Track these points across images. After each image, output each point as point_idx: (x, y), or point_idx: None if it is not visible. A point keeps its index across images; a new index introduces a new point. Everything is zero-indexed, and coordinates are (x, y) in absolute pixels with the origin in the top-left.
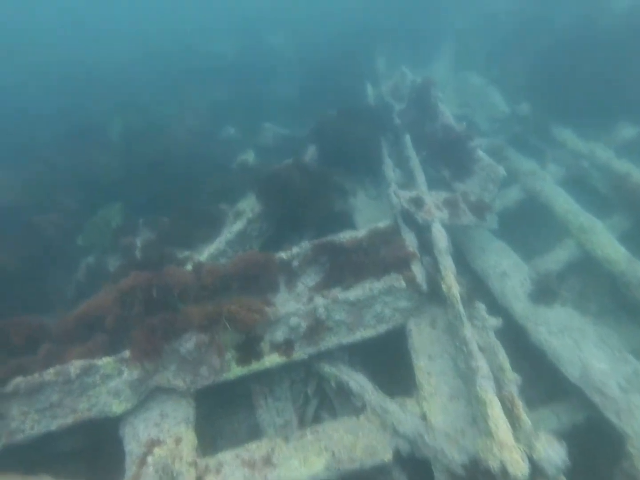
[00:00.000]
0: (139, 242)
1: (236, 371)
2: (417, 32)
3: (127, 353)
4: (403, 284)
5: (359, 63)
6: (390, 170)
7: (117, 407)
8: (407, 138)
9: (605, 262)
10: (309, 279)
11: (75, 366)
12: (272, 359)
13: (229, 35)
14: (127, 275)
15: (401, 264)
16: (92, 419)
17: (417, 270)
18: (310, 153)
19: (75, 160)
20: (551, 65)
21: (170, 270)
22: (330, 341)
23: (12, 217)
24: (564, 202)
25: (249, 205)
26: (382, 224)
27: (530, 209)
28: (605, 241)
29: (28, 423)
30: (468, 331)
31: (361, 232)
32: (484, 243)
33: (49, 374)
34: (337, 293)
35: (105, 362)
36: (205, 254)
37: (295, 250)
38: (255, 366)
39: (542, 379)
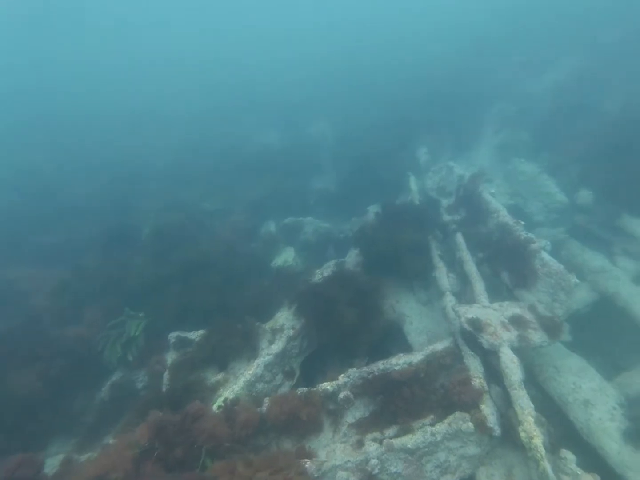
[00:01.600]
0: (169, 359)
1: None
2: (458, 119)
3: None
4: (471, 426)
5: (401, 155)
6: (443, 276)
7: None
8: (460, 238)
9: None
10: (358, 413)
11: None
12: None
13: (273, 127)
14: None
15: (467, 399)
16: None
17: (488, 411)
18: (354, 256)
19: (107, 265)
20: (605, 152)
21: (199, 422)
22: None
23: (36, 325)
24: None
25: (288, 319)
26: (440, 345)
27: (604, 311)
28: None
29: None
30: None
31: (416, 357)
32: (557, 359)
33: None
34: (393, 440)
35: None
36: (241, 381)
37: (342, 380)
38: None
39: None
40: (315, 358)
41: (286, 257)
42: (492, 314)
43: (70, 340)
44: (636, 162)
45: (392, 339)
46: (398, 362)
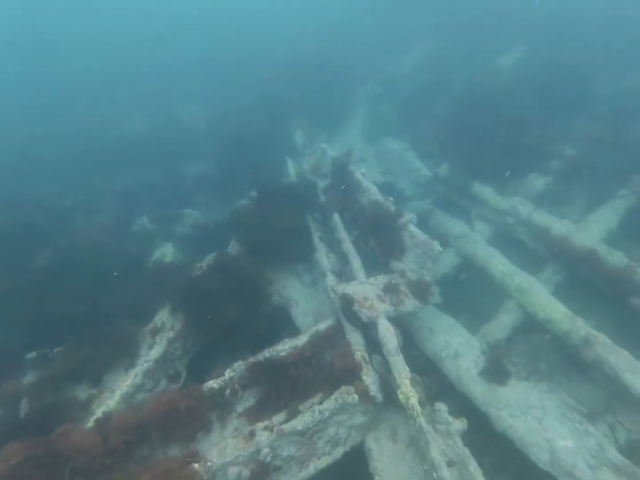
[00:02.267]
0: (27, 381)
1: None
2: (329, 99)
3: None
4: (356, 398)
5: (276, 137)
6: (324, 257)
7: None
8: (337, 218)
9: (548, 324)
10: (247, 404)
11: None
12: None
13: (137, 111)
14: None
15: (350, 372)
16: None
17: (369, 380)
18: (235, 246)
19: None
20: (455, 126)
21: (63, 436)
22: None
23: None
24: (498, 264)
25: (168, 319)
26: (323, 325)
27: (467, 272)
28: (545, 301)
29: None
30: (435, 452)
31: (302, 339)
32: (431, 321)
33: None
34: (283, 425)
35: None
36: (117, 394)
37: (228, 374)
38: None
39: (512, 464)
40: (204, 356)
41: (164, 252)
42: (368, 289)
43: None
44: (478, 135)
45: (282, 325)
46: (284, 347)
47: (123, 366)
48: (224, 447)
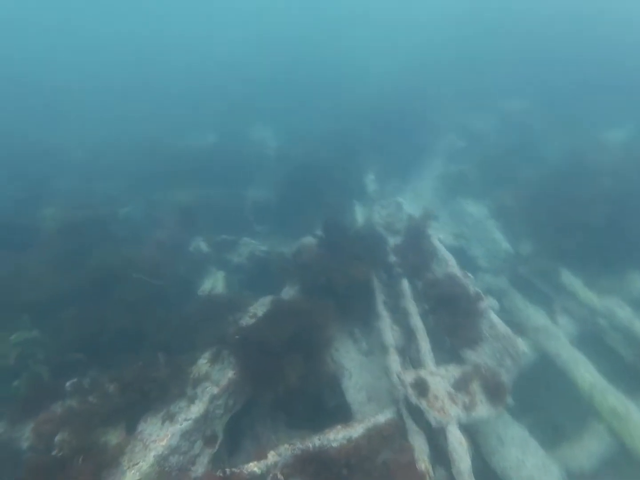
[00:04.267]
0: (61, 411)
1: None
2: (406, 144)
3: None
4: None
5: (346, 174)
6: (387, 329)
7: None
8: (406, 285)
9: None
10: None
11: None
12: None
13: (209, 126)
14: None
15: None
16: None
17: None
18: (293, 292)
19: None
20: (547, 199)
21: None
22: None
23: None
24: (586, 372)
25: (212, 369)
26: (382, 417)
27: (544, 371)
28: None
29: None
30: None
31: (357, 430)
32: (501, 428)
33: None
34: None
35: None
36: (150, 456)
37: (272, 458)
38: None
39: None
40: (240, 413)
41: (215, 283)
42: (439, 384)
43: None
44: (572, 212)
45: (330, 392)
46: (336, 436)
47: (157, 411)
48: None
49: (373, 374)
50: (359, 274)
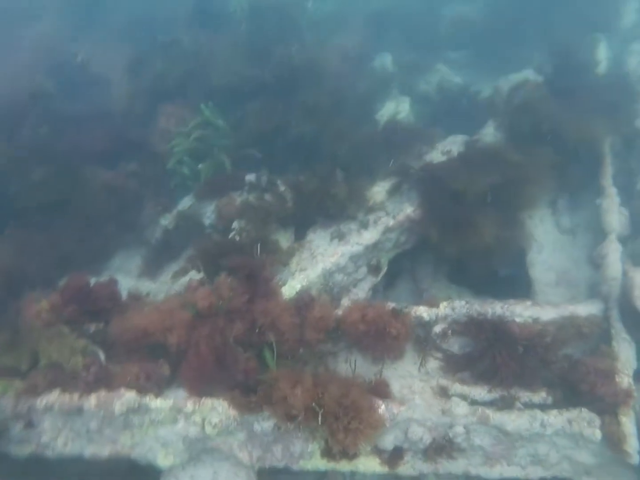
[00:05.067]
0: (240, 201)
1: (317, 463)
2: None
3: (186, 402)
4: (598, 436)
5: None
6: (613, 210)
7: (162, 460)
8: None
9: None
10: (449, 351)
11: (121, 402)
12: (368, 464)
13: None
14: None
15: (601, 395)
16: (132, 459)
17: (630, 429)
18: (491, 132)
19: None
20: None
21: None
22: (455, 466)
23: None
24: None
25: (391, 200)
26: (583, 310)
27: None
28: None
29: (61, 440)
30: None
31: (547, 313)
32: None
33: (90, 403)
34: (489, 412)
35: (158, 405)
36: (319, 267)
37: (443, 309)
38: (343, 466)
39: None
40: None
41: (398, 108)
42: None
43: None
44: None
45: (508, 262)
46: (523, 312)
47: (326, 226)
48: (410, 387)
49: (571, 256)
50: (592, 132)
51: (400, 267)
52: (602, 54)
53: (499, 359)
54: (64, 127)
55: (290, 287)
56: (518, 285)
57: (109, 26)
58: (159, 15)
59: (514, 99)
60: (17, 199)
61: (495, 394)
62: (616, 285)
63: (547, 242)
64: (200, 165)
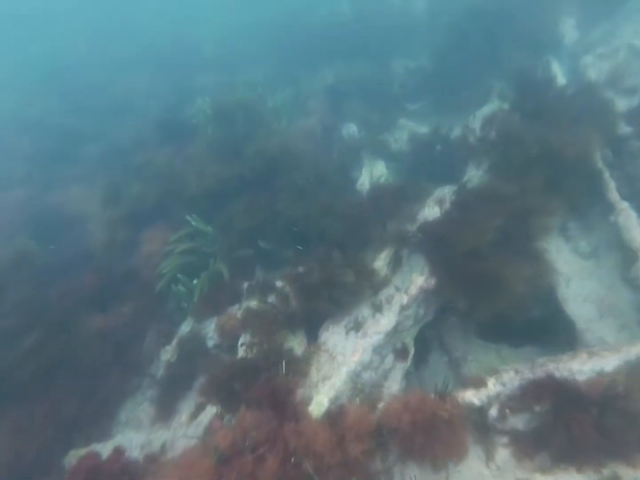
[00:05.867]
0: (242, 310)
1: None
2: None
3: None
4: None
5: (534, 20)
6: (633, 225)
7: None
8: None
9: None
10: (515, 428)
11: None
12: None
13: None
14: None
15: None
16: None
17: None
18: (475, 176)
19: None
20: None
21: (294, 427)
22: None
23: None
24: None
25: (393, 273)
26: None
27: None
28: None
29: None
30: None
31: (609, 361)
32: None
33: None
34: None
35: None
36: (342, 371)
37: (493, 388)
38: None
39: None
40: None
41: (374, 172)
42: None
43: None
44: None
45: (538, 301)
46: (582, 368)
47: (337, 319)
48: None
49: (602, 281)
50: (578, 147)
51: (426, 339)
52: (557, 69)
53: (574, 429)
54: (49, 281)
55: (318, 404)
56: (554, 321)
57: (81, 160)
58: (127, 143)
59: (489, 133)
60: (8, 372)
61: (590, 474)
62: None
63: (572, 273)
64: (195, 281)
